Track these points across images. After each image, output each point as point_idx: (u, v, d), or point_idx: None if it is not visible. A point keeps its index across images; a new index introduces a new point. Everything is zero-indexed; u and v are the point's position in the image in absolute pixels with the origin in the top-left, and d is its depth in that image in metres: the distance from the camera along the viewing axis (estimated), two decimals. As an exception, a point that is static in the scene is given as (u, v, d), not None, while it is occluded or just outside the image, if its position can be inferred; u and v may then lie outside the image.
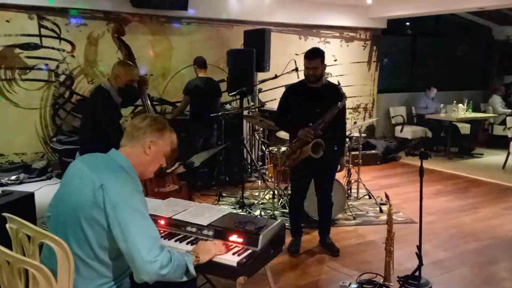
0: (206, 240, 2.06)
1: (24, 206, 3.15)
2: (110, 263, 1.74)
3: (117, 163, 1.80)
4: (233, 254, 1.97)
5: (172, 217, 2.25)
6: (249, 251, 1.99)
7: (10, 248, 1.74)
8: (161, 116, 1.97)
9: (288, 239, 3.58)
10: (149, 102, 3.45)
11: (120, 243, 1.67)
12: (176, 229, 2.19)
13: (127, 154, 1.84)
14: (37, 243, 1.69)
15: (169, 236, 2.14)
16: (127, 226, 1.65)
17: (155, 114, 1.91)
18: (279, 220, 2.26)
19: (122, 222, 1.65)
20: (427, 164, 3.00)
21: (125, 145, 1.88)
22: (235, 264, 1.91)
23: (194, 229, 2.16)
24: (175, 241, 2.09)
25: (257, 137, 5.49)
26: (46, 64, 5.26)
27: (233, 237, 2.06)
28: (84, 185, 1.72)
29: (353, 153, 5.00)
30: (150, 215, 2.26)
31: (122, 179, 1.74)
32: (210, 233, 2.12)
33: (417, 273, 3.03)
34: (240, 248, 2.01)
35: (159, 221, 2.25)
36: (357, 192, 5.12)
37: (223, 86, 5.78)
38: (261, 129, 5.28)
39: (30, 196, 3.24)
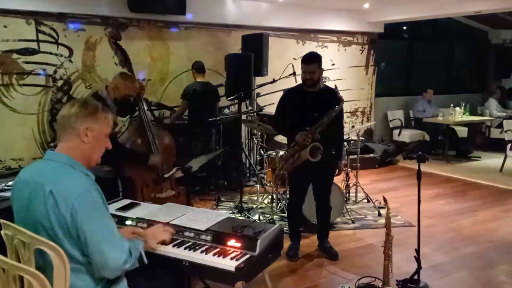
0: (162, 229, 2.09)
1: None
2: (88, 260, 1.71)
3: (57, 162, 1.73)
4: (231, 259, 1.96)
5: (170, 222, 2.24)
6: (247, 256, 1.98)
7: (5, 255, 1.73)
8: (90, 99, 1.88)
9: (286, 243, 3.57)
10: (146, 107, 3.43)
11: (81, 241, 1.66)
12: (173, 234, 2.17)
13: (65, 150, 1.75)
14: (32, 249, 1.68)
15: (166, 241, 2.12)
16: (87, 227, 1.64)
17: (84, 98, 1.78)
18: (277, 225, 2.26)
19: (80, 223, 1.63)
20: (425, 168, 3.00)
21: (61, 140, 1.77)
22: (233, 269, 1.90)
23: (192, 234, 2.15)
24: (173, 246, 2.07)
25: (256, 141, 5.49)
26: (44, 69, 5.24)
27: (231, 242, 2.06)
28: (34, 197, 1.67)
29: (351, 156, 5.00)
30: (147, 220, 2.28)
31: (69, 178, 1.69)
32: (208, 238, 2.11)
33: (416, 277, 3.03)
34: (238, 252, 2.01)
35: (156, 226, 2.23)
36: (356, 196, 5.11)
37: (221, 90, 5.77)
38: (259, 133, 5.28)
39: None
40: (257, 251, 2.00)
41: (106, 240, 1.66)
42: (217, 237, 2.10)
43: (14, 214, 1.80)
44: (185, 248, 2.05)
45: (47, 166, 1.75)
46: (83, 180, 1.70)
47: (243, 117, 5.09)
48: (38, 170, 1.77)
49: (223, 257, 1.97)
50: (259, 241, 2.02)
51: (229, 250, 2.03)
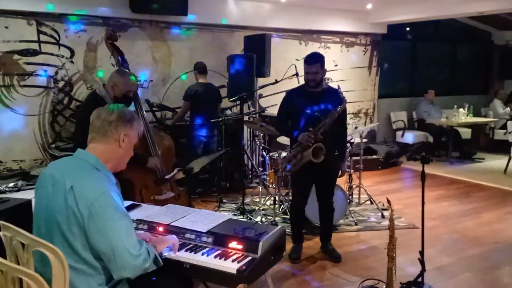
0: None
1: (21, 213, 3.11)
2: (97, 264, 1.72)
3: (85, 162, 1.80)
4: (233, 261, 1.93)
5: (171, 224, 2.21)
6: (249, 258, 1.95)
7: (4, 257, 1.71)
8: (125, 107, 1.96)
9: (289, 245, 3.53)
10: (143, 108, 3.39)
11: (97, 242, 1.66)
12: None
13: (99, 151, 1.82)
14: (31, 251, 1.66)
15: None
16: (106, 225, 1.66)
17: (122, 106, 1.93)
18: (279, 226, 2.23)
19: (99, 222, 1.65)
20: (428, 169, 2.97)
21: (97, 141, 1.84)
22: (234, 272, 1.87)
23: (193, 236, 2.12)
24: (174, 248, 2.04)
25: (258, 142, 5.46)
26: (45, 70, 5.24)
27: (233, 244, 2.03)
28: (56, 191, 1.72)
29: (354, 158, 4.96)
30: (148, 222, 2.25)
31: (92, 178, 1.74)
32: (209, 239, 2.08)
33: (420, 279, 2.99)
34: (240, 255, 1.98)
35: (157, 228, 2.21)
36: (359, 198, 5.07)
37: (223, 91, 5.74)
38: (261, 134, 5.25)
39: (27, 203, 3.19)
40: (259, 253, 1.97)
41: (124, 239, 1.67)
42: (219, 239, 2.07)
43: (35, 206, 1.84)
44: (186, 250, 2.03)
45: (72, 164, 1.82)
46: (105, 181, 1.74)
47: (245, 118, 5.07)
48: (64, 166, 1.83)
49: (225, 259, 1.94)
50: (261, 243, 1.99)
51: (231, 252, 2.00)
